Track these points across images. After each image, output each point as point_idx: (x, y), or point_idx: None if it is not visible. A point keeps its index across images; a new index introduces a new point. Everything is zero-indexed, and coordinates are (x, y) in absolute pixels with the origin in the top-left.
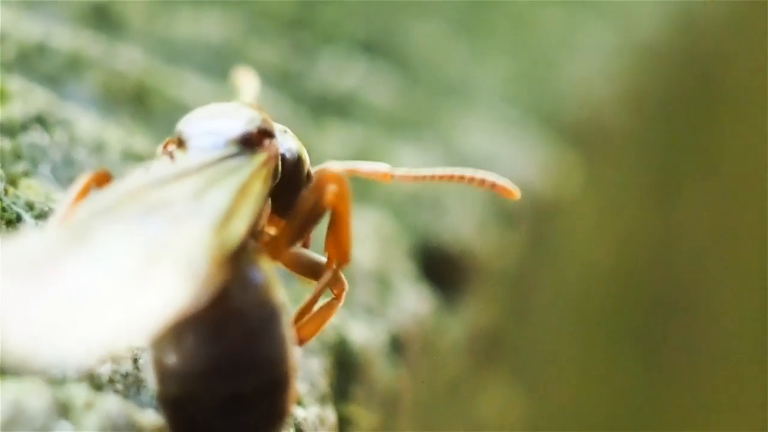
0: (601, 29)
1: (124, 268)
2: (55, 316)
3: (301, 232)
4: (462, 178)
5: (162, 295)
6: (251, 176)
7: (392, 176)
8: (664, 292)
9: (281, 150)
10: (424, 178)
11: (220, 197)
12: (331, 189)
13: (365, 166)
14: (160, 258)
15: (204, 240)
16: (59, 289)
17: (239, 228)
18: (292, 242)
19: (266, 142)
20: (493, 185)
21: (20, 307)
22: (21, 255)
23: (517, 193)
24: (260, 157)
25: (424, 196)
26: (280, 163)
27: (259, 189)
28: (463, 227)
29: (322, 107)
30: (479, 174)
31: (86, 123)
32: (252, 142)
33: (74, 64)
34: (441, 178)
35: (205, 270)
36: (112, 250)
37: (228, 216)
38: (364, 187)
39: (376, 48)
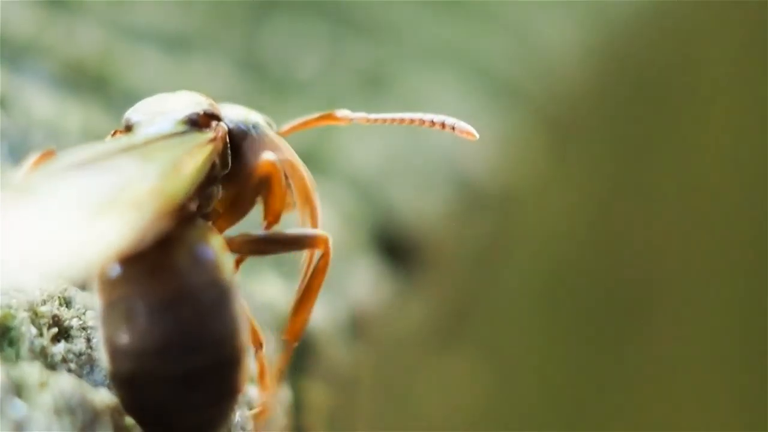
0: (572, 3)
1: (70, 213)
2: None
3: (239, 206)
4: (423, 122)
5: (107, 235)
6: (197, 146)
7: (350, 119)
8: (631, 274)
9: (241, 127)
10: (384, 120)
11: (165, 158)
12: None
13: (321, 115)
14: (106, 206)
15: (148, 190)
16: (8, 231)
17: (183, 184)
18: (232, 215)
19: (213, 123)
20: (453, 128)
21: None
22: None
23: (475, 134)
24: (207, 135)
25: (388, 175)
26: (229, 150)
27: (203, 159)
28: (426, 206)
29: (284, 86)
30: (438, 118)
31: (45, 104)
32: (199, 123)
33: (34, 46)
34: (401, 121)
35: (148, 217)
36: (60, 200)
37: (172, 172)
38: (326, 164)
39: (338, 19)
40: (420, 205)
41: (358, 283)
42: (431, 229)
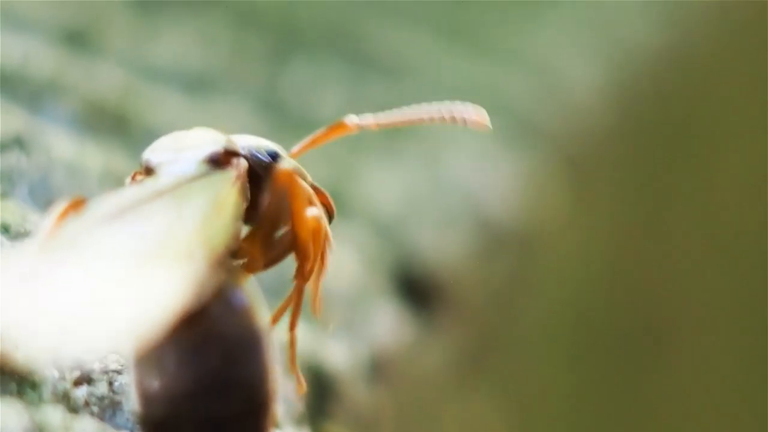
0: (590, 37)
1: (117, 270)
2: (56, 320)
3: (271, 233)
4: (432, 118)
5: (159, 293)
6: (226, 188)
7: (358, 126)
8: (652, 312)
9: (256, 155)
10: (393, 123)
11: (200, 205)
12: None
13: (330, 127)
14: (151, 260)
15: (193, 239)
16: (57, 294)
17: (224, 229)
18: (265, 249)
19: (233, 160)
20: (464, 120)
21: (22, 315)
22: (10, 268)
23: (487, 123)
24: (230, 174)
25: (408, 216)
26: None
27: (234, 200)
28: (446, 247)
29: (303, 128)
30: (447, 112)
31: (65, 145)
32: (220, 162)
33: (54, 86)
34: (410, 121)
35: (197, 270)
36: (103, 255)
37: (212, 218)
38: (346, 205)
39: (358, 57)
40: (440, 245)
41: (378, 325)
42: (452, 270)
